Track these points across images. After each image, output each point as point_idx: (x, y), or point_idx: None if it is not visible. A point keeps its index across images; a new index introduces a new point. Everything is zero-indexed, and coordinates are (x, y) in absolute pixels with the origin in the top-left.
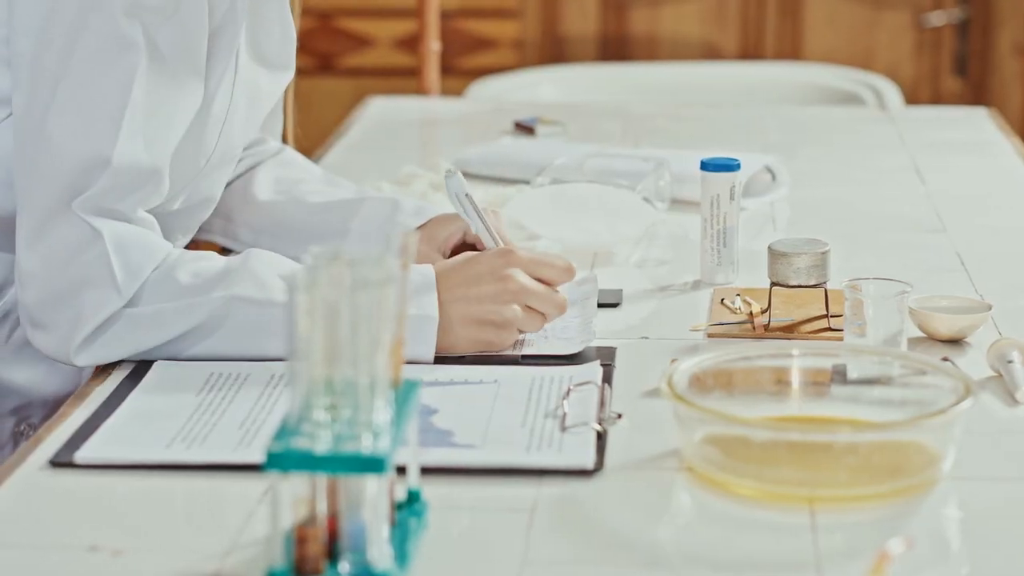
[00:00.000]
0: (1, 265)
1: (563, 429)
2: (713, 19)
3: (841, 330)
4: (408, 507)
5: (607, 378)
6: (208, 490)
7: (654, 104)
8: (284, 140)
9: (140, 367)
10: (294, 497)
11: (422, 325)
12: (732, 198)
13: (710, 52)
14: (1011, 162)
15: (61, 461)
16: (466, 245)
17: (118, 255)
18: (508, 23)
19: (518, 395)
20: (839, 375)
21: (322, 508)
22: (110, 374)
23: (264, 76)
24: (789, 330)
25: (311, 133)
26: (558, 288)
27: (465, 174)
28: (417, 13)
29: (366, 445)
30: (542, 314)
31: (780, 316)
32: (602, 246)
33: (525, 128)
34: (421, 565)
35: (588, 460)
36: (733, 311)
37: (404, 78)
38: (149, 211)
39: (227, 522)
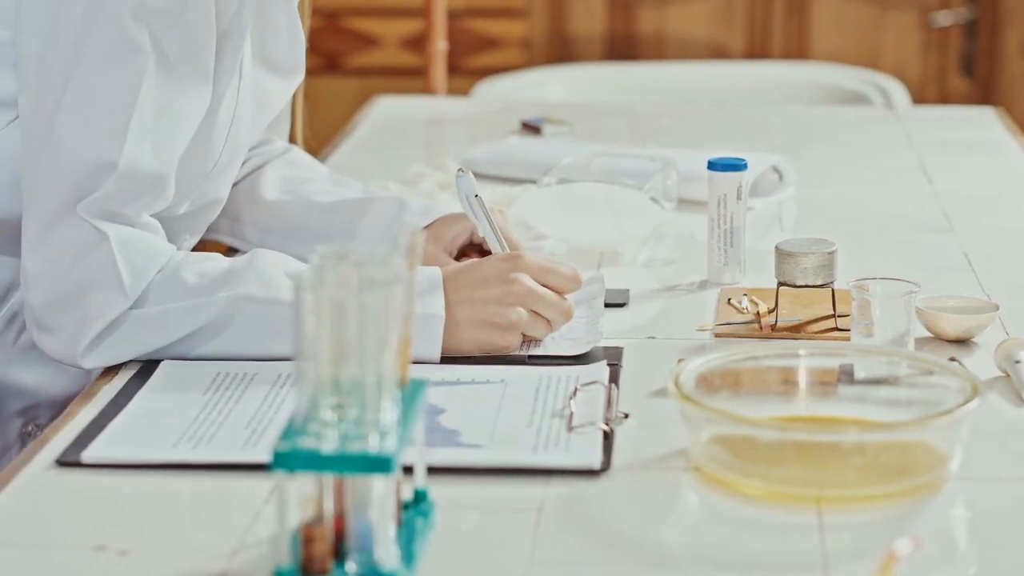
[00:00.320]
0: (7, 268)
1: (570, 429)
2: (720, 19)
3: (848, 330)
4: (415, 507)
5: (614, 378)
6: (214, 490)
7: (661, 104)
8: (293, 141)
9: (147, 367)
10: (301, 497)
11: (428, 324)
12: (739, 198)
13: (717, 52)
14: (1018, 162)
15: (68, 461)
16: (473, 245)
17: (124, 257)
18: (515, 23)
19: (525, 395)
20: (846, 375)
21: (329, 508)
22: (117, 373)
23: (272, 81)
24: (796, 330)
25: (318, 132)
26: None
27: (472, 174)
28: (424, 13)
29: (373, 445)
30: (548, 320)
31: (787, 316)
32: (609, 246)
33: (532, 128)
34: (428, 565)
35: (595, 460)
36: (740, 311)
37: (411, 78)
38: (156, 215)
39: (234, 522)
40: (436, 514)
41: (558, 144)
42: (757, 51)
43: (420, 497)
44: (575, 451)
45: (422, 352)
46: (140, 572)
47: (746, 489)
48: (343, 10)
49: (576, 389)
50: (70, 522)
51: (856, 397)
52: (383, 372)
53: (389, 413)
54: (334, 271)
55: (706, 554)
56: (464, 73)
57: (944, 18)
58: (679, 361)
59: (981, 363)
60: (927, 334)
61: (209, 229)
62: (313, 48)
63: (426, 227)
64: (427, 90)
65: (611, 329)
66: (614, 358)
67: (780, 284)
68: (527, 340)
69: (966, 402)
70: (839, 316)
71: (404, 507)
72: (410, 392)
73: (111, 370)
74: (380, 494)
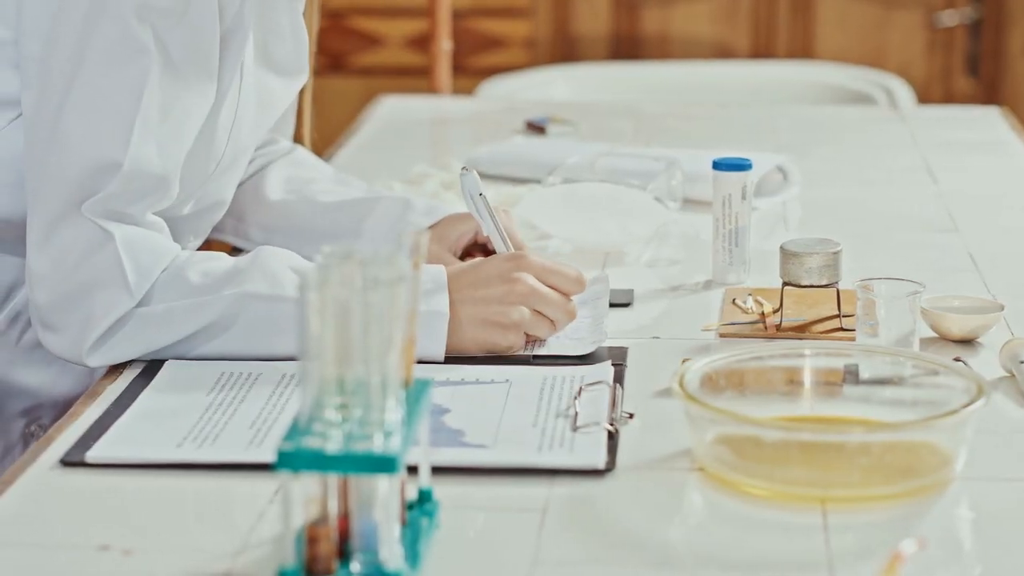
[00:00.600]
0: (10, 268)
1: (574, 429)
2: (725, 18)
3: (853, 330)
4: (419, 507)
5: (619, 378)
6: (219, 490)
7: (666, 103)
8: (301, 142)
9: (151, 366)
10: (305, 497)
11: (433, 321)
12: (744, 198)
13: (722, 51)
14: (1023, 162)
15: (72, 460)
16: (477, 245)
17: (129, 256)
18: (519, 22)
19: (530, 395)
20: (851, 375)
21: (333, 508)
22: (121, 373)
23: (275, 81)
24: (801, 330)
25: (322, 132)
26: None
27: (476, 172)
28: (428, 12)
29: (377, 444)
30: (551, 320)
31: (792, 316)
32: (613, 246)
33: (536, 127)
34: (432, 565)
35: (599, 460)
36: (745, 311)
37: (415, 77)
38: (159, 214)
39: (238, 522)
40: (440, 514)
41: (563, 144)
42: (762, 51)
43: (424, 497)
44: (579, 451)
45: (426, 350)
46: (144, 572)
47: (751, 489)
48: (348, 10)
49: (581, 389)
50: (74, 522)
51: (861, 397)
52: (388, 372)
53: (394, 413)
54: (338, 271)
55: (711, 554)
56: (469, 73)
57: (949, 18)
58: (683, 361)
59: (986, 363)
60: (932, 334)
61: (214, 229)
62: (318, 48)
63: (430, 227)
64: (431, 90)
65: (615, 329)
66: (619, 358)
67: (785, 284)
68: (531, 340)
69: (971, 402)
70: (844, 316)
71: (408, 507)
72: (415, 392)
73: (115, 369)
74: (384, 494)
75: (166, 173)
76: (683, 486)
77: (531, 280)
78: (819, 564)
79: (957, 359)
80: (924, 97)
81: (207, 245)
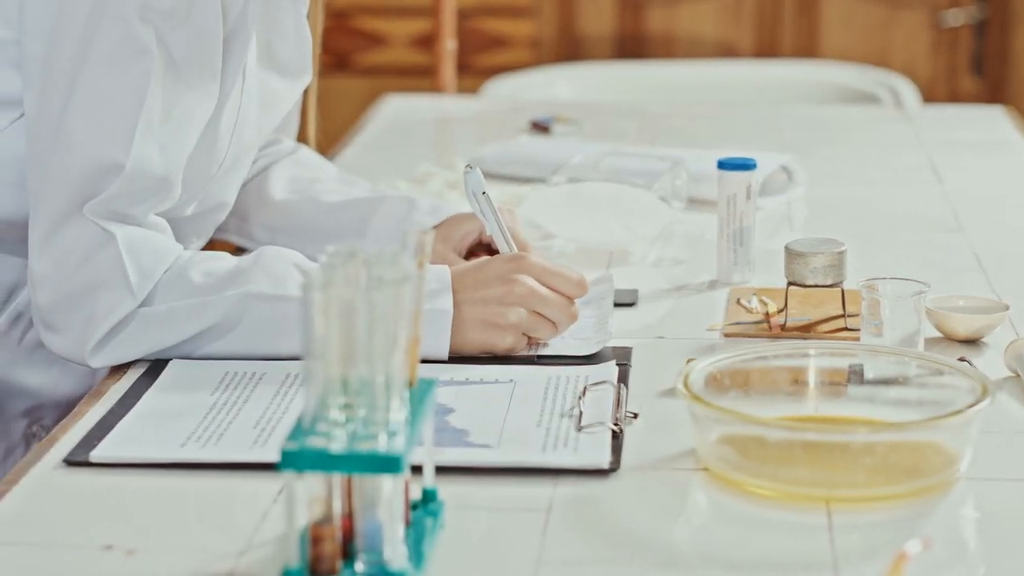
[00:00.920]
0: (12, 268)
1: (579, 429)
2: (729, 18)
3: (858, 330)
4: (423, 507)
5: (623, 378)
6: (223, 489)
7: (670, 103)
8: (305, 142)
9: (155, 366)
10: (309, 496)
11: (436, 320)
12: (749, 197)
13: (726, 51)
14: None
15: (76, 460)
16: (482, 245)
17: (131, 257)
18: (524, 22)
19: (534, 395)
20: (856, 375)
21: (337, 507)
22: (125, 373)
23: (279, 82)
24: (806, 330)
25: (327, 131)
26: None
27: (479, 170)
28: (433, 12)
29: (382, 444)
30: (552, 322)
31: (797, 316)
32: (618, 245)
33: (541, 127)
34: (436, 565)
35: (604, 460)
36: (749, 311)
37: (420, 77)
38: (161, 215)
39: (241, 521)
40: (445, 514)
41: (567, 143)
42: (766, 50)
43: (429, 497)
44: (584, 451)
45: (430, 349)
46: (148, 572)
47: (755, 489)
48: (352, 9)
49: (585, 389)
50: (78, 521)
51: (866, 397)
52: (392, 371)
53: (398, 413)
54: (343, 270)
55: (715, 554)
56: (473, 72)
57: (954, 17)
58: (688, 361)
59: (991, 363)
60: (937, 334)
61: (217, 229)
62: (322, 47)
63: (435, 226)
64: (436, 89)
65: (620, 329)
66: (623, 358)
67: (790, 284)
68: (533, 341)
69: (976, 402)
70: (849, 316)
71: (413, 507)
72: (419, 392)
73: (119, 369)
74: (389, 494)
75: (168, 174)
76: (687, 486)
77: (530, 282)
78: (824, 564)
79: (962, 359)
80: (929, 97)
81: (211, 245)
